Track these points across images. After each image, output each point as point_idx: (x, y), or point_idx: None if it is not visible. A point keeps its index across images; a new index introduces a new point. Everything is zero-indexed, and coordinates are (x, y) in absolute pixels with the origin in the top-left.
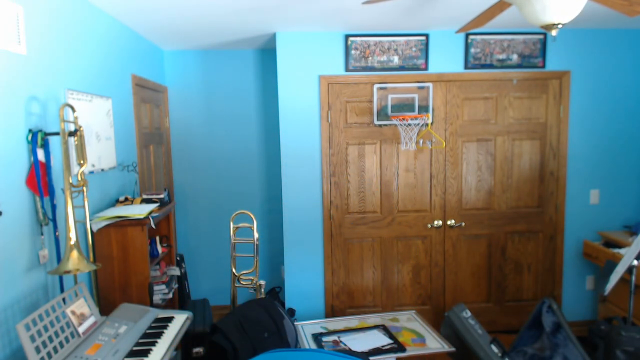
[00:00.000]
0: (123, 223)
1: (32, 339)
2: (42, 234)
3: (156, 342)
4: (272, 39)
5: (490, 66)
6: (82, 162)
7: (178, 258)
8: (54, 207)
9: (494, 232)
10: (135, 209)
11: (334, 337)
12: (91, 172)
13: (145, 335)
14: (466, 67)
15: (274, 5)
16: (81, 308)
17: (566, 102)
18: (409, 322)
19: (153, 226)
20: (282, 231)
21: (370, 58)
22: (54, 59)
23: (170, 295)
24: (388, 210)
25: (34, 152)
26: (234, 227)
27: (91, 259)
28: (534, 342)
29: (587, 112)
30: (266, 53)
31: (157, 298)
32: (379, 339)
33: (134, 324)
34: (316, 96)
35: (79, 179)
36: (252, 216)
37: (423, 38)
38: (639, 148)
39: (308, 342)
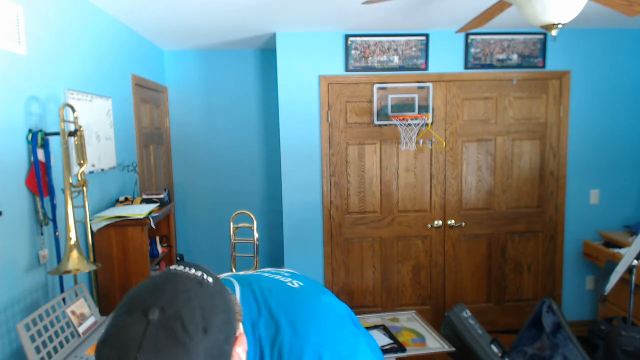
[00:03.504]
0: (123, 223)
1: (32, 338)
2: (42, 234)
3: None
4: (272, 39)
5: (490, 66)
6: (82, 162)
7: (178, 258)
8: (54, 207)
9: (494, 232)
10: (135, 209)
11: None
12: (91, 172)
13: None
14: (466, 67)
15: (274, 5)
16: (81, 308)
17: (566, 102)
18: (409, 322)
19: (153, 226)
20: (282, 231)
21: (370, 58)
22: (53, 59)
23: None
24: (388, 210)
25: (34, 152)
26: (234, 227)
27: (91, 259)
28: (534, 342)
29: (587, 112)
30: (266, 53)
31: None
32: (379, 339)
33: None
34: (316, 96)
35: (79, 179)
36: (252, 216)
37: (423, 38)
38: (639, 148)
39: None
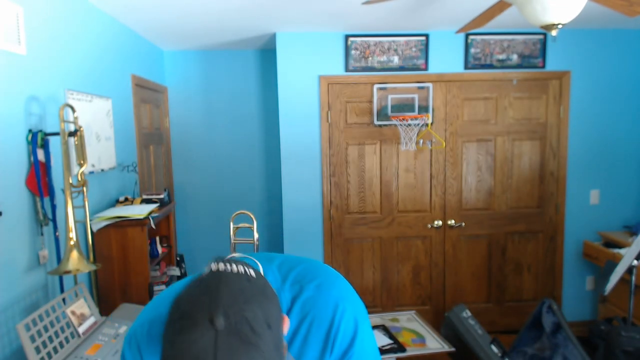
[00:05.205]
0: (123, 223)
1: (32, 339)
2: (42, 234)
3: None
4: (272, 39)
5: (490, 66)
6: (82, 162)
7: (178, 258)
8: (54, 207)
9: (494, 233)
10: (135, 209)
11: None
12: (91, 173)
13: None
14: (466, 68)
15: (274, 5)
16: (81, 308)
17: (566, 103)
18: (409, 322)
19: (153, 226)
20: (282, 231)
21: (370, 58)
22: (53, 59)
23: None
24: (388, 211)
25: (33, 153)
26: (234, 227)
27: (91, 259)
28: (534, 343)
29: (587, 112)
30: (266, 53)
31: None
32: (379, 339)
33: None
34: (316, 96)
35: (79, 179)
36: (252, 216)
37: (423, 38)
38: (639, 148)
39: None
